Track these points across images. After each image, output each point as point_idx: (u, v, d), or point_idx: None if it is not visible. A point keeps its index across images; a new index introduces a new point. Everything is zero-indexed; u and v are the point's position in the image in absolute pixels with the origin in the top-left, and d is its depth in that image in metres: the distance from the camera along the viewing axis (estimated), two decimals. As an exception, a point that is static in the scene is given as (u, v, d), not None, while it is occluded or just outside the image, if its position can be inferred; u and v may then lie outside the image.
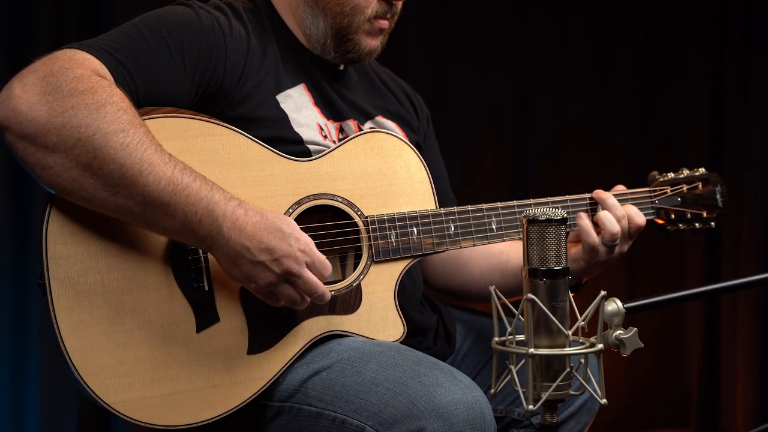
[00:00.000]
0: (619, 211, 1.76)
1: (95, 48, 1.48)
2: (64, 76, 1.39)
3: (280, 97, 1.67)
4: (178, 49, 1.54)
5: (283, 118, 1.65)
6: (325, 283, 1.58)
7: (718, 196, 1.86)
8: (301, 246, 1.45)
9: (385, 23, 1.74)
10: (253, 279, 1.45)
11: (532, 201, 1.75)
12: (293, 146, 1.63)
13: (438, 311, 1.88)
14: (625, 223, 1.76)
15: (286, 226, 1.45)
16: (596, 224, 1.77)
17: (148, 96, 1.52)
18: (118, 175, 1.38)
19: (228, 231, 1.41)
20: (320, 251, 1.50)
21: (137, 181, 1.38)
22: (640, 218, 1.79)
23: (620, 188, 1.86)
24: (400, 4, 1.74)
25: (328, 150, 1.64)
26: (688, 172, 1.89)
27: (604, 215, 1.75)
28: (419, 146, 1.90)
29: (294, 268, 1.44)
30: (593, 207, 1.80)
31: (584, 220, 1.76)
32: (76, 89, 1.38)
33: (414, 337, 1.73)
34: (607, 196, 1.78)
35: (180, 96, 1.55)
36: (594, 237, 1.74)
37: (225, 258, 1.44)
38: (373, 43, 1.74)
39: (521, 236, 1.71)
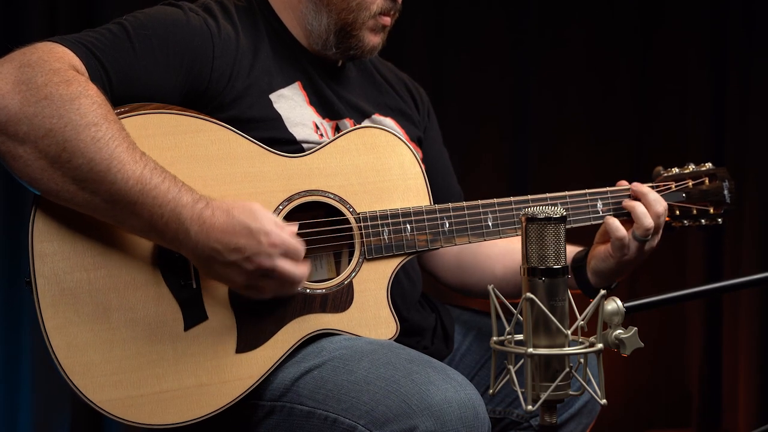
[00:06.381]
0: (660, 207, 1.72)
1: (75, 43, 1.47)
2: (41, 67, 1.38)
3: (273, 97, 1.65)
4: (162, 48, 1.53)
5: (276, 119, 1.64)
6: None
7: (725, 192, 1.81)
8: (271, 240, 1.42)
9: (388, 20, 1.73)
10: (228, 279, 1.45)
11: (530, 197, 1.73)
12: (287, 147, 1.62)
13: (437, 311, 1.86)
14: (662, 221, 1.73)
15: (253, 222, 1.42)
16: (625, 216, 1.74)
17: (126, 95, 1.50)
18: (86, 169, 1.36)
19: (196, 235, 1.40)
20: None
21: (105, 177, 1.37)
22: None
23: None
24: (400, 0, 1.73)
25: (320, 146, 1.62)
26: (694, 167, 1.84)
27: (638, 207, 1.72)
28: (420, 141, 1.88)
29: (266, 263, 1.42)
30: (593, 202, 1.76)
31: (611, 217, 1.73)
32: (51, 80, 1.37)
33: (411, 337, 1.72)
34: (648, 191, 1.74)
35: (163, 96, 1.54)
36: (623, 232, 1.70)
37: (197, 260, 1.44)
38: (376, 40, 1.73)
39: (518, 233, 1.70)
